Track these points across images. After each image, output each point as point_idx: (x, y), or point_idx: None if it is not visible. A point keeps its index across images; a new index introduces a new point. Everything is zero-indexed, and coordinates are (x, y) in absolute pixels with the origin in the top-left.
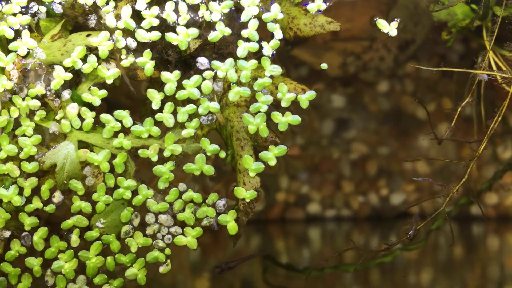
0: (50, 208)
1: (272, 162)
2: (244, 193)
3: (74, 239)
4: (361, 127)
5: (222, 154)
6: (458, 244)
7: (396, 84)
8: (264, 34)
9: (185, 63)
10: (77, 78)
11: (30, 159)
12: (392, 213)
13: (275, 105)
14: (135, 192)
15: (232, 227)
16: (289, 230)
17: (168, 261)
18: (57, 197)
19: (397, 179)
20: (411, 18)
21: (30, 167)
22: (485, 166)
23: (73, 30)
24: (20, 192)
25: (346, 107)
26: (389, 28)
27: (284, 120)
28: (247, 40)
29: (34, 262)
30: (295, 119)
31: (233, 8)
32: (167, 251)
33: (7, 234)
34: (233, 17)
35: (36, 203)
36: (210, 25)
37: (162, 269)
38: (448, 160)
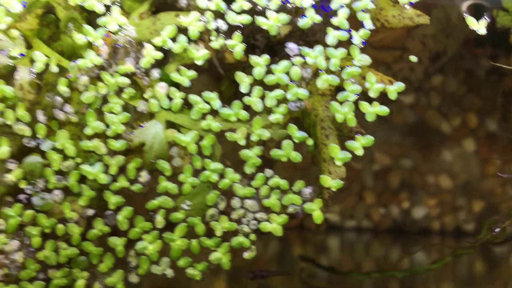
0: (136, 187)
1: (359, 152)
2: (330, 181)
3: (159, 220)
4: (384, 138)
5: (310, 142)
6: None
7: (422, 96)
8: (351, 23)
9: (272, 49)
10: (164, 58)
11: (117, 137)
12: (414, 227)
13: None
14: (221, 176)
15: (318, 216)
16: (308, 239)
17: (253, 247)
18: (144, 176)
19: (419, 192)
20: (443, 30)
21: (117, 145)
22: None
23: (158, 10)
24: (106, 170)
25: None
26: (478, 25)
27: (372, 110)
28: (337, 28)
29: (117, 242)
30: (383, 109)
31: None
32: (252, 236)
33: (90, 212)
34: (323, 4)
35: (122, 182)
36: (298, 12)
37: (246, 255)
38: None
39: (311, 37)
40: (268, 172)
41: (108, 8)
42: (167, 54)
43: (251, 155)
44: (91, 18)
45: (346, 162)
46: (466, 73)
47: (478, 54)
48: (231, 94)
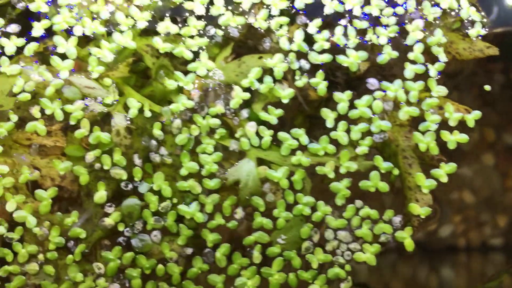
0: (232, 224)
1: (444, 179)
2: (419, 209)
3: (256, 255)
4: None
5: (396, 172)
6: None
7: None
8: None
9: (351, 84)
10: (249, 98)
11: (211, 176)
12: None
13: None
14: (313, 209)
15: (409, 244)
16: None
17: (349, 277)
18: (239, 213)
19: (444, 209)
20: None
21: (212, 183)
22: None
23: (237, 52)
24: (201, 209)
25: None
26: None
27: (453, 138)
28: (413, 62)
29: (217, 279)
30: (463, 137)
31: (398, 32)
32: (347, 267)
33: (189, 251)
34: (397, 40)
35: (218, 219)
36: (375, 48)
37: (343, 286)
38: None
39: (388, 71)
40: (358, 202)
41: (195, 54)
42: (253, 94)
43: (341, 187)
44: (177, 64)
45: None
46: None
47: None
48: (306, 128)
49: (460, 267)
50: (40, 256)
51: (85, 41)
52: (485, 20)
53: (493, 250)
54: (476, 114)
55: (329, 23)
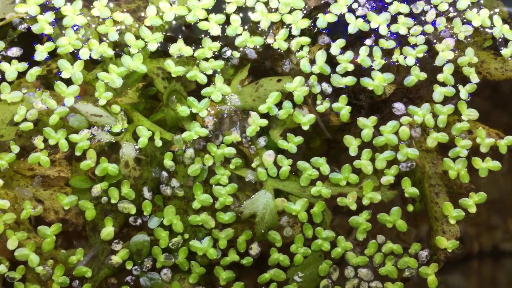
0: (247, 261)
1: (473, 210)
2: (446, 243)
3: None
4: None
5: (410, 208)
6: None
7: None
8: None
9: (373, 108)
10: (267, 124)
11: (225, 209)
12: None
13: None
14: (332, 244)
15: (432, 281)
16: None
17: None
18: (255, 249)
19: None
20: None
21: (226, 217)
22: None
23: (254, 74)
24: (214, 244)
25: None
26: None
27: (485, 166)
28: (442, 84)
29: None
30: (496, 164)
31: (427, 52)
32: None
33: None
34: (425, 60)
35: (233, 256)
36: (401, 69)
37: None
38: None
39: (414, 94)
40: (380, 238)
41: (209, 78)
42: (271, 120)
43: (361, 221)
44: (190, 89)
45: None
46: None
47: None
48: (322, 152)
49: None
50: None
51: (92, 64)
52: None
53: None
54: (510, 139)
55: (353, 43)
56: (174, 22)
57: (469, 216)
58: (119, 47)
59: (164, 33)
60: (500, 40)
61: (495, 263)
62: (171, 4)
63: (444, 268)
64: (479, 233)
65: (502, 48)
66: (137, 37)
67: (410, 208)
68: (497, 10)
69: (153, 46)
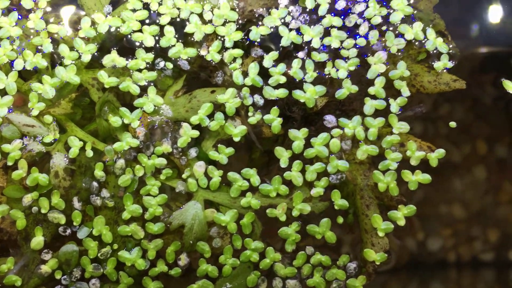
0: (175, 271)
1: (401, 222)
2: (374, 255)
3: None
4: None
5: (340, 220)
6: None
7: (429, 125)
8: (387, 90)
9: (307, 120)
10: (199, 135)
11: (155, 219)
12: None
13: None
14: (261, 255)
15: None
16: None
17: None
18: (183, 259)
19: (433, 223)
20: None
21: (155, 228)
22: None
23: (189, 85)
24: (143, 255)
25: None
26: None
27: (415, 179)
28: (374, 97)
29: None
30: (426, 177)
31: (359, 65)
32: None
33: None
34: (357, 73)
35: (161, 267)
36: (334, 82)
37: None
38: None
39: (348, 106)
40: (309, 249)
41: (143, 88)
42: (203, 131)
43: (290, 232)
44: (125, 99)
45: None
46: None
47: None
48: (263, 163)
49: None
50: None
51: (27, 75)
52: (453, 51)
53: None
54: (440, 152)
55: (286, 55)
56: (108, 35)
57: (399, 228)
58: (60, 58)
59: (97, 44)
60: (433, 53)
61: (426, 275)
62: (105, 16)
63: (375, 280)
64: (413, 244)
65: (435, 61)
66: (72, 48)
67: (340, 220)
68: (426, 23)
69: (86, 57)
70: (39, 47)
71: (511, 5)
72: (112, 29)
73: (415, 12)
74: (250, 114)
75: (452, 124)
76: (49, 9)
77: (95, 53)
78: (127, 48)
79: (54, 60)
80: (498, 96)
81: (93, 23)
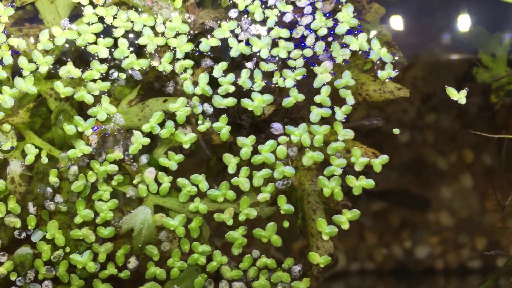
0: (124, 274)
1: (345, 226)
2: (319, 258)
3: None
4: (383, 177)
5: (286, 224)
6: None
7: (417, 135)
8: (334, 99)
9: (257, 128)
10: (152, 142)
11: (106, 224)
12: (417, 268)
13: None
14: (209, 258)
15: None
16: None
17: None
18: (133, 262)
19: (421, 231)
20: (432, 73)
21: (106, 232)
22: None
23: (146, 94)
24: (94, 258)
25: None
26: (459, 96)
27: (359, 184)
28: (320, 105)
29: None
30: (369, 183)
31: (305, 75)
32: None
33: None
34: (305, 83)
35: (111, 269)
36: (283, 91)
37: None
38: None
39: (296, 114)
40: (255, 252)
41: (98, 98)
42: (155, 139)
43: (237, 236)
44: (82, 108)
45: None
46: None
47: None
48: (220, 170)
49: None
50: None
51: None
52: (399, 61)
53: None
54: (384, 158)
55: (236, 66)
56: (65, 47)
57: (342, 232)
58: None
59: (56, 56)
60: (378, 62)
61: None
62: (63, 29)
63: (322, 284)
64: (359, 248)
65: (379, 70)
66: (30, 60)
67: (286, 224)
68: (375, 33)
69: (44, 69)
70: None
71: (457, 14)
72: (69, 42)
73: (363, 23)
74: (200, 122)
75: (396, 130)
76: (11, 22)
77: (57, 65)
78: (83, 60)
79: (18, 72)
80: (444, 103)
81: (52, 36)
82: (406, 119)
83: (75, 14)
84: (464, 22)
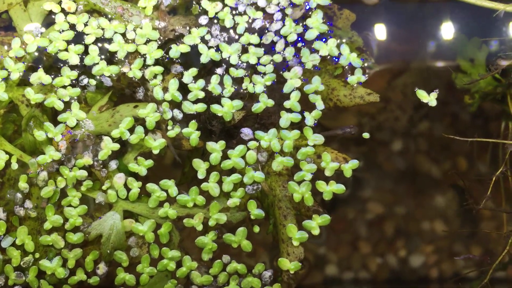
0: (94, 280)
1: (316, 231)
2: (288, 264)
3: None
4: (376, 186)
5: (256, 229)
6: None
7: (410, 143)
8: (305, 104)
9: (228, 133)
10: (122, 148)
11: (75, 229)
12: (412, 277)
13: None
14: (179, 263)
15: None
16: None
17: None
18: (102, 268)
19: (415, 239)
20: (424, 80)
21: (75, 238)
22: None
23: (118, 101)
24: (64, 263)
25: (360, 166)
26: (429, 98)
27: (329, 189)
28: (289, 110)
29: None
30: (340, 188)
31: (275, 80)
32: None
33: None
34: (275, 88)
35: (80, 275)
36: (253, 97)
37: None
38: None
39: (266, 120)
40: (225, 258)
41: (68, 104)
42: (125, 144)
43: (207, 241)
44: (53, 114)
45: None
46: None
47: None
48: (193, 175)
49: None
50: None
51: None
52: (371, 66)
53: None
54: (354, 163)
55: (206, 72)
56: (36, 54)
57: (314, 238)
58: None
59: (28, 63)
60: (347, 68)
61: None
62: (34, 37)
63: None
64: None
65: (349, 75)
66: (1, 67)
67: (257, 229)
68: (345, 40)
69: (15, 76)
70: None
71: (429, 20)
72: (41, 49)
73: (334, 29)
74: (170, 128)
75: (366, 135)
76: None
77: (29, 72)
78: (55, 67)
79: None
80: (416, 106)
81: (23, 43)
82: (380, 123)
83: (48, 22)
84: (440, 28)
